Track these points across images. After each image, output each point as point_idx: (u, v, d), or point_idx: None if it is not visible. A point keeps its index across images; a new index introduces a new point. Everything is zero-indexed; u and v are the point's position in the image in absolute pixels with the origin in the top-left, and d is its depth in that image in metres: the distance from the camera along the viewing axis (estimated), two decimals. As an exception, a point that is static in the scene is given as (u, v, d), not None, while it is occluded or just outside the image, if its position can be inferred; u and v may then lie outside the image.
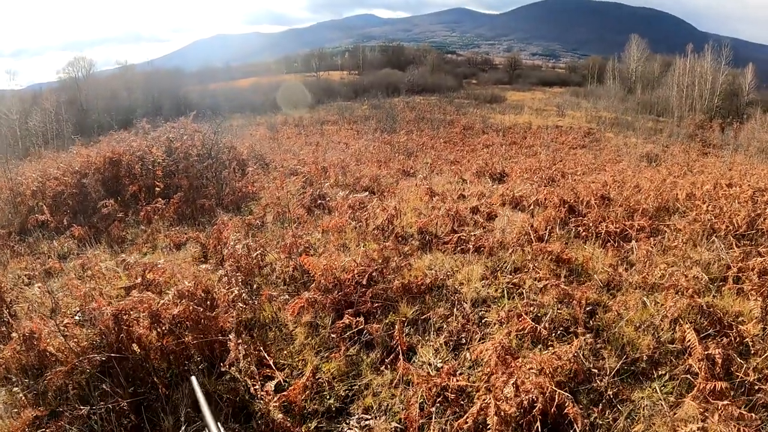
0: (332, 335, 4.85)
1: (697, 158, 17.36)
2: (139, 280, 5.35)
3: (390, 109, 33.69)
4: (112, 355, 4.10)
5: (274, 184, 10.70)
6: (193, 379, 1.38)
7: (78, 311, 4.75)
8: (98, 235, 8.15)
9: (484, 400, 3.52)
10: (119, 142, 12.56)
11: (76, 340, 4.29)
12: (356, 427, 3.89)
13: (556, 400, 3.48)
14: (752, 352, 4.61)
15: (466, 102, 38.72)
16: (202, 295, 4.76)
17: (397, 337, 4.53)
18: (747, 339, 4.74)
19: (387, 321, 5.13)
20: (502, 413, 3.38)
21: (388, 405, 4.05)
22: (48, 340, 4.31)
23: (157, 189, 9.96)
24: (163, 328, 4.33)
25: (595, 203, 8.74)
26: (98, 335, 4.32)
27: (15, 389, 4.13)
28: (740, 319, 5.20)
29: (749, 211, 8.20)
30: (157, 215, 8.96)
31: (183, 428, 3.71)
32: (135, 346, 4.25)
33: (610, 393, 4.10)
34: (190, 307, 4.38)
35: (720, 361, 4.20)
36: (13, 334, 4.37)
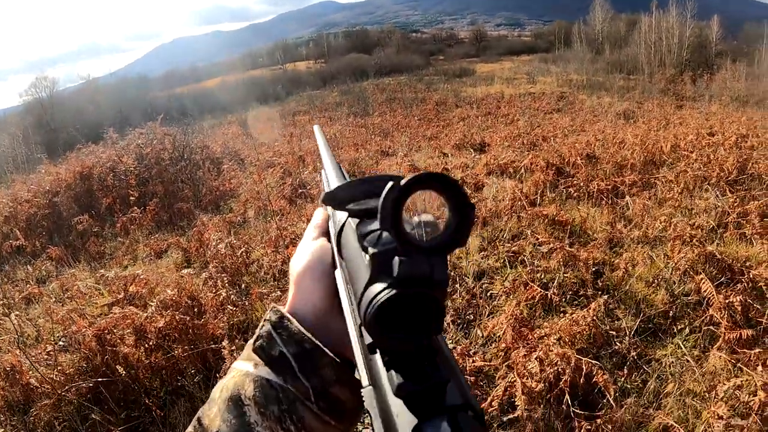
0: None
1: (674, 111, 17.26)
2: (122, 295, 5.04)
3: (360, 93, 33.43)
4: (99, 380, 3.83)
5: (252, 179, 10.45)
6: (316, 127, 1.08)
7: (61, 336, 4.46)
8: (76, 254, 7.81)
9: (508, 379, 3.28)
10: (88, 156, 12.16)
11: (60, 368, 4.01)
12: (370, 426, 3.67)
13: (584, 369, 3.25)
14: (767, 296, 4.46)
15: (435, 78, 38.48)
16: (188, 302, 4.50)
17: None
18: (760, 284, 4.58)
19: (388, 306, 4.90)
20: (529, 390, 3.16)
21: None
22: (30, 373, 3.99)
23: (132, 198, 9.56)
24: (150, 343, 4.06)
25: (582, 163, 8.57)
26: (83, 360, 4.05)
27: (1, 430, 3.86)
28: (748, 264, 5.05)
29: (737, 157, 8.12)
30: (134, 225, 8.61)
31: None
32: (120, 368, 3.94)
33: (634, 354, 3.92)
34: (177, 317, 4.10)
35: (740, 308, 4.03)
36: (-5, 370, 4.07)
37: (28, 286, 6.68)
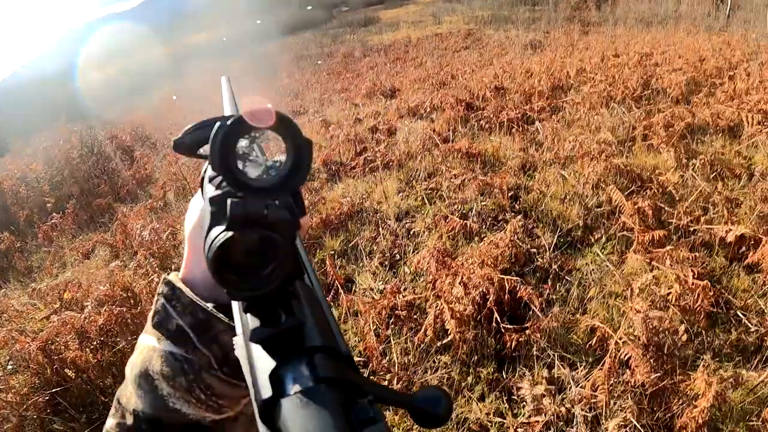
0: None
1: (580, 38, 17.56)
2: (57, 304, 4.85)
3: (264, 55, 32.79)
4: (54, 390, 3.72)
5: (167, 161, 10.13)
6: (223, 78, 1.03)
7: (9, 360, 4.27)
8: (4, 274, 7.40)
9: (437, 306, 3.30)
10: None
11: (14, 390, 3.87)
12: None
13: (507, 287, 3.30)
14: (677, 198, 4.64)
15: (341, 31, 37.94)
16: (122, 294, 4.39)
17: (331, 272, 4.29)
18: (669, 188, 4.75)
19: (316, 260, 4.91)
20: (458, 314, 3.18)
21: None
22: None
23: (49, 205, 9.18)
24: (94, 342, 3.96)
25: (491, 95, 8.64)
26: (34, 376, 3.92)
27: None
28: (657, 171, 5.23)
29: (640, 74, 8.41)
30: (56, 232, 8.22)
31: None
32: (71, 373, 3.87)
33: (555, 267, 4.01)
34: (114, 312, 3.99)
35: (650, 212, 4.17)
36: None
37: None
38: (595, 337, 3.07)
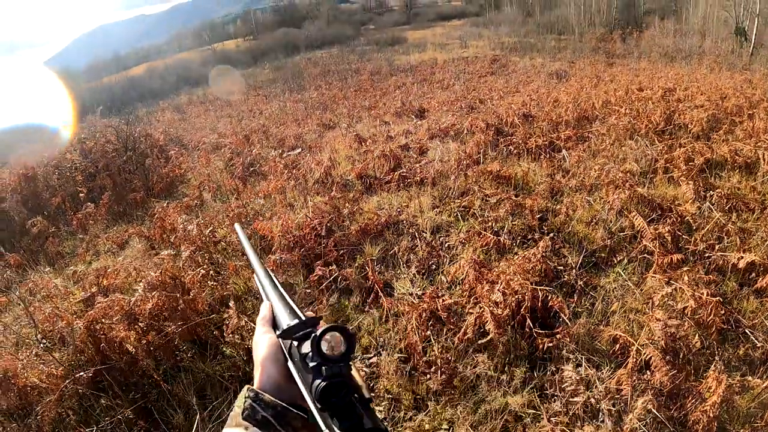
0: (308, 290, 4.91)
1: (605, 69, 17.79)
2: (94, 288, 5.11)
3: (293, 68, 33.09)
4: (99, 367, 3.93)
5: (200, 163, 10.51)
6: (236, 226, 1.54)
7: (42, 338, 4.49)
8: (35, 257, 7.61)
9: (477, 310, 3.70)
10: (29, 157, 11.74)
11: (54, 364, 4.08)
12: (363, 367, 4.01)
13: (540, 296, 3.69)
14: (694, 227, 5.00)
15: (368, 48, 38.14)
16: (171, 282, 4.63)
17: (372, 277, 4.61)
18: (687, 217, 5.10)
19: (357, 264, 5.22)
20: (497, 317, 3.57)
21: (384, 339, 4.19)
22: (25, 375, 4.03)
23: (82, 195, 9.41)
24: (142, 325, 4.19)
25: (519, 122, 8.99)
26: (75, 353, 4.15)
27: None
28: (677, 202, 5.56)
29: (663, 109, 8.68)
30: (90, 221, 8.53)
31: (197, 418, 3.57)
32: (120, 351, 4.07)
33: (581, 283, 4.38)
34: (164, 297, 4.25)
35: (669, 237, 4.54)
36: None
37: (-7, 296, 6.59)
38: (618, 345, 3.46)
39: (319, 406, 0.80)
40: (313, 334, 0.84)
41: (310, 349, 0.85)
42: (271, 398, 0.89)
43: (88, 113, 13.67)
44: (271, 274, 1.23)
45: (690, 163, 6.41)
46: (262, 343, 1.00)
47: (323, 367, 0.82)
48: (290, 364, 0.92)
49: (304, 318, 1.01)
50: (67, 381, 3.85)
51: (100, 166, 10.45)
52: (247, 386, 0.92)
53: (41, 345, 4.40)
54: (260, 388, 0.92)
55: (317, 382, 0.81)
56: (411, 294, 4.65)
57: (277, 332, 1.02)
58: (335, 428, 0.78)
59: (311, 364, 0.83)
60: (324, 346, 0.83)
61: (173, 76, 40.83)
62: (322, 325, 0.88)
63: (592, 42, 28.47)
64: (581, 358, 3.55)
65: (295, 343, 0.94)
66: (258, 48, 49.53)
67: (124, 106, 25.75)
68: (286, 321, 1.02)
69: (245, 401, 0.89)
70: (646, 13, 34.61)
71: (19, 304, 5.74)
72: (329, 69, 28.77)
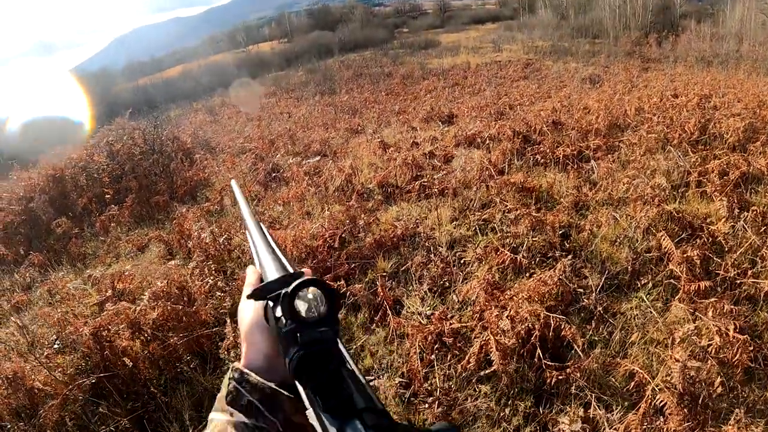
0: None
1: (639, 74, 17.41)
2: (110, 292, 5.06)
3: (326, 71, 33.18)
4: (101, 375, 3.91)
5: (225, 167, 10.48)
6: (233, 182, 1.40)
7: (56, 339, 4.56)
8: (58, 257, 7.72)
9: (483, 337, 3.48)
10: (58, 157, 11.99)
11: (61, 369, 4.10)
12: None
13: (552, 325, 3.46)
14: (726, 249, 4.70)
15: (401, 52, 38.17)
16: (177, 292, 4.61)
17: (381, 293, 4.42)
18: (719, 238, 4.81)
19: (367, 279, 5.08)
20: (503, 347, 3.35)
21: (387, 361, 4.00)
22: (33, 377, 4.04)
23: (108, 196, 9.53)
24: (146, 335, 4.16)
25: (548, 130, 8.75)
26: (82, 358, 4.16)
27: None
28: (709, 220, 5.28)
29: (699, 117, 8.34)
30: (113, 223, 8.55)
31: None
32: (123, 361, 4.04)
33: (600, 309, 4.12)
34: (168, 307, 4.22)
35: (698, 261, 4.25)
36: (-4, 379, 4.08)
37: (15, 294, 6.67)
38: (633, 382, 3.20)
39: (296, 382, 0.70)
40: (283, 291, 0.71)
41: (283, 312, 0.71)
42: (258, 379, 0.78)
43: (121, 114, 13.80)
44: (264, 228, 1.08)
45: (724, 177, 6.08)
46: (246, 310, 0.87)
47: (299, 333, 0.69)
48: (270, 330, 0.81)
49: (292, 272, 0.88)
50: (70, 387, 3.86)
51: (126, 168, 10.52)
52: (232, 365, 0.82)
53: (54, 347, 4.46)
54: (247, 366, 0.81)
55: (292, 350, 0.68)
56: (420, 313, 4.45)
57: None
58: (312, 403, 0.67)
59: (285, 329, 0.70)
60: (300, 307, 0.70)
61: (207, 77, 41.34)
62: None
63: (627, 46, 28.06)
64: (591, 395, 3.28)
65: (271, 304, 0.80)
66: (292, 50, 49.92)
67: (157, 108, 26.08)
68: (271, 278, 0.88)
69: (229, 383, 0.79)
70: (683, 16, 34.00)
71: (38, 304, 5.80)
72: (361, 72, 28.83)
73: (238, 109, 22.52)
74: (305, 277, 0.71)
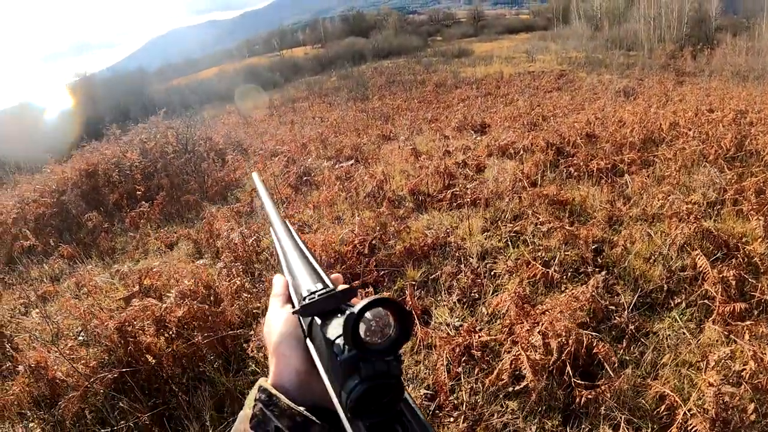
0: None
1: (674, 88, 17.20)
2: (137, 288, 5.14)
3: (359, 77, 33.30)
4: (124, 369, 3.94)
5: (256, 168, 10.51)
6: (254, 174, 1.32)
7: (80, 331, 4.63)
8: (87, 250, 7.87)
9: (513, 352, 3.46)
10: (92, 153, 12.24)
11: (83, 361, 4.12)
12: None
13: (585, 342, 3.42)
14: (762, 270, 4.62)
15: (434, 60, 38.16)
16: (204, 291, 4.64)
17: (410, 302, 4.42)
18: (755, 258, 4.73)
19: (396, 287, 5.07)
20: (534, 363, 3.33)
21: (413, 372, 3.97)
22: (55, 368, 4.10)
23: (139, 193, 9.66)
24: (171, 332, 4.18)
25: (582, 142, 8.68)
26: (105, 352, 4.19)
27: (31, 424, 3.95)
28: (744, 240, 5.20)
29: (735, 133, 8.22)
30: (143, 219, 8.67)
31: None
32: (147, 357, 4.09)
33: (632, 327, 4.07)
34: (194, 306, 4.22)
35: (734, 282, 4.17)
36: (19, 368, 4.14)
37: (43, 284, 6.79)
38: (664, 405, 3.15)
39: (349, 416, 0.59)
40: (348, 312, 0.58)
41: (340, 333, 0.61)
42: (288, 403, 0.69)
43: (155, 112, 13.99)
44: (292, 230, 1.00)
45: (761, 196, 5.98)
46: (276, 322, 0.80)
47: (361, 362, 0.58)
48: (311, 348, 0.71)
49: (332, 286, 0.76)
50: (92, 380, 3.91)
51: (158, 166, 10.70)
52: (260, 380, 0.74)
53: (79, 339, 4.53)
54: (275, 384, 0.73)
55: (352, 382, 0.58)
56: (448, 324, 4.43)
57: (296, 306, 0.78)
58: None
59: (343, 356, 0.60)
60: (364, 330, 0.59)
61: (242, 80, 41.77)
62: (357, 302, 0.59)
63: (661, 58, 27.77)
64: (621, 417, 3.23)
65: (318, 321, 0.70)
66: (325, 56, 50.27)
67: (191, 108, 26.41)
68: (308, 288, 0.78)
69: (255, 404, 0.70)
70: (718, 29, 33.54)
71: (65, 295, 5.89)
72: (394, 79, 28.89)
73: (272, 113, 22.69)
74: (374, 297, 0.58)
